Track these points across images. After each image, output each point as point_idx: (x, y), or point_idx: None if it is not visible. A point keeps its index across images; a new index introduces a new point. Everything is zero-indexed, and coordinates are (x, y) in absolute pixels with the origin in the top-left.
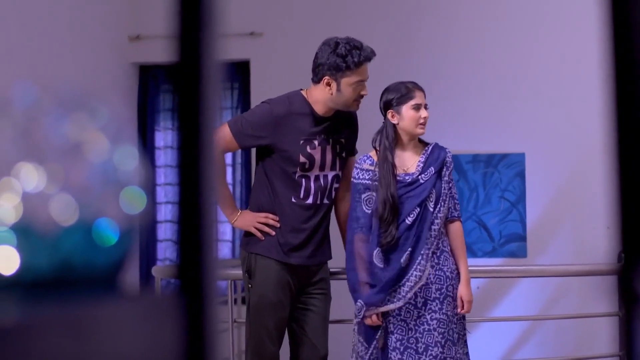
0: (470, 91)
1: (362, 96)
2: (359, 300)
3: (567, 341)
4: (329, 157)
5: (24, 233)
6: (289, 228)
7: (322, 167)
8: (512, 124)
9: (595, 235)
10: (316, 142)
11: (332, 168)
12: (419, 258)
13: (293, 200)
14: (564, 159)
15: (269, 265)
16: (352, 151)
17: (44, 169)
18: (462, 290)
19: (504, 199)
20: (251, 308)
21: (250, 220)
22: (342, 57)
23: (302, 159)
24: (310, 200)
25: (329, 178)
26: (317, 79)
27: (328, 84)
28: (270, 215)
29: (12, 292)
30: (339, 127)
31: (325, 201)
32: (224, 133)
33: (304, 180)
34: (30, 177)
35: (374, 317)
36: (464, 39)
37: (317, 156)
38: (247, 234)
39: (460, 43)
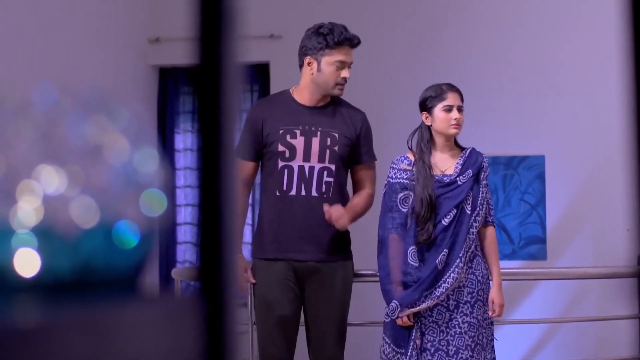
0: (490, 93)
1: (344, 80)
2: (393, 301)
3: (587, 344)
4: (314, 147)
5: (45, 235)
6: (277, 223)
7: (306, 158)
8: (532, 126)
9: (615, 238)
10: (297, 132)
11: (320, 160)
12: (457, 260)
13: (277, 193)
14: (584, 162)
15: (265, 265)
16: (363, 158)
17: (65, 171)
18: (494, 294)
19: (523, 202)
20: (255, 310)
21: (241, 272)
22: (323, 36)
23: (280, 147)
24: (293, 192)
25: (316, 170)
26: (300, 63)
27: (309, 64)
28: (250, 277)
29: (33, 294)
30: (334, 120)
31: (314, 194)
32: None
33: (286, 170)
34: (51, 179)
35: (405, 318)
36: (484, 41)
37: (299, 146)
38: (254, 241)
39: (481, 45)
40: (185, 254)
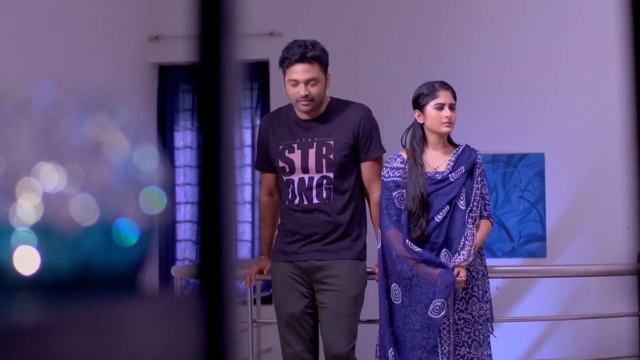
0: (490, 91)
1: (304, 97)
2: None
3: (586, 341)
4: (311, 159)
5: (45, 233)
6: (287, 230)
7: (304, 170)
8: (531, 124)
9: (614, 236)
10: (295, 146)
11: (318, 170)
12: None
13: (286, 203)
14: (584, 159)
15: (276, 267)
16: (364, 156)
17: (65, 169)
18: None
19: (523, 199)
20: None
21: (252, 267)
22: (282, 55)
23: (281, 163)
24: (296, 202)
25: (315, 180)
26: None
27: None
28: (258, 274)
29: (33, 292)
30: (330, 128)
31: (316, 201)
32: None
33: (289, 183)
34: (51, 177)
35: (462, 272)
36: (484, 39)
37: (297, 160)
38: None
39: (481, 43)
40: (185, 251)
